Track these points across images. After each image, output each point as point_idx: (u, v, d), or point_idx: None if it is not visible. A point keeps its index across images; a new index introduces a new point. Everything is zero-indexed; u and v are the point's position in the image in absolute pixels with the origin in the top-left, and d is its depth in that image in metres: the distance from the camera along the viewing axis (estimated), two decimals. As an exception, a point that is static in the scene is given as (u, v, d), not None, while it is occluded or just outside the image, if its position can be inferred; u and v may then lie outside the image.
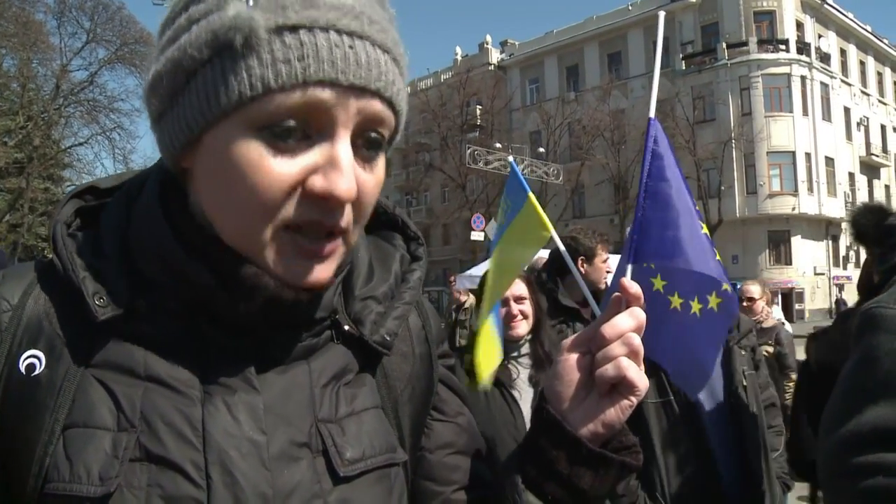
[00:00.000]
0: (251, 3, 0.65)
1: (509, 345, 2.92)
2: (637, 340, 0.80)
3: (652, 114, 1.09)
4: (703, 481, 2.39)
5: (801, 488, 6.40)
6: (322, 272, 0.74)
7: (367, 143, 0.72)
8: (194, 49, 0.67)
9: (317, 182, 0.68)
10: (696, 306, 0.96)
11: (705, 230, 0.97)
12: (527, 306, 2.96)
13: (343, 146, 0.69)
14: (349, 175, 0.69)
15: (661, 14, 1.13)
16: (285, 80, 0.65)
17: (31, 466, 0.72)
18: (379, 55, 0.70)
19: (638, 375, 0.79)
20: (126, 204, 0.81)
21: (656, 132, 1.05)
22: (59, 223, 0.80)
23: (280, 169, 0.67)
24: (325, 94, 0.67)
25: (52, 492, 0.70)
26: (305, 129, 0.68)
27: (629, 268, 1.01)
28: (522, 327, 2.94)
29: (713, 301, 0.94)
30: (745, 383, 2.57)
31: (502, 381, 2.84)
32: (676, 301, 0.97)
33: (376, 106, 0.71)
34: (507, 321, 2.93)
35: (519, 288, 2.98)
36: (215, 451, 0.72)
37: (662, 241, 0.97)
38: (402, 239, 0.96)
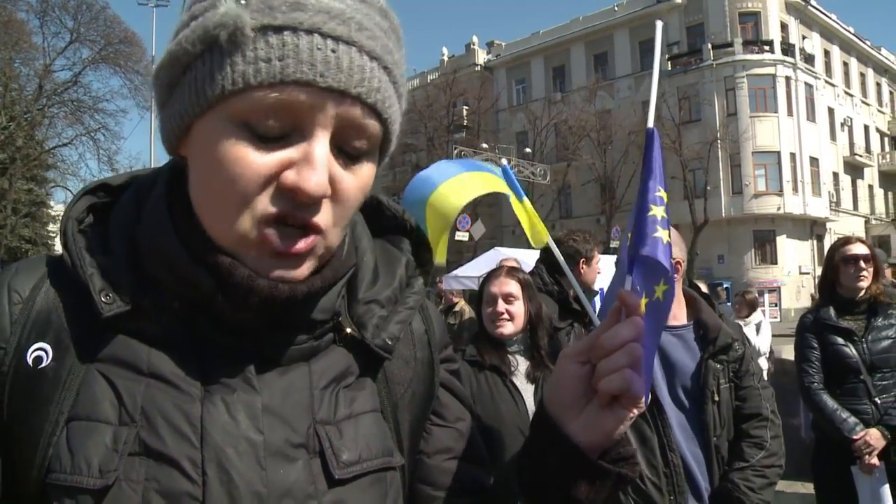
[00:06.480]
0: (243, 2, 0.68)
1: (505, 339, 2.90)
2: (639, 351, 0.79)
3: (650, 124, 1.08)
4: (669, 485, 2.47)
5: (797, 487, 6.46)
6: (297, 270, 0.75)
7: (350, 150, 0.73)
8: (188, 43, 0.70)
9: (289, 176, 0.70)
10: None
11: (654, 212, 0.93)
12: (517, 307, 2.89)
13: (319, 145, 0.70)
14: (321, 172, 0.69)
15: (659, 24, 1.11)
16: (264, 78, 0.67)
17: (34, 457, 0.73)
18: (365, 61, 0.71)
19: (642, 388, 0.78)
20: (136, 202, 0.83)
21: (656, 143, 1.03)
22: (71, 219, 0.81)
23: (256, 161, 0.69)
24: (302, 96, 0.68)
25: (54, 482, 0.71)
26: (284, 127, 0.69)
27: (628, 279, 1.00)
28: (508, 328, 2.87)
29: (659, 291, 0.91)
30: (717, 398, 2.56)
31: (503, 370, 2.82)
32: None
33: (355, 111, 0.71)
34: (493, 319, 2.89)
35: (510, 286, 2.90)
36: (212, 449, 0.72)
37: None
38: (410, 244, 0.96)
